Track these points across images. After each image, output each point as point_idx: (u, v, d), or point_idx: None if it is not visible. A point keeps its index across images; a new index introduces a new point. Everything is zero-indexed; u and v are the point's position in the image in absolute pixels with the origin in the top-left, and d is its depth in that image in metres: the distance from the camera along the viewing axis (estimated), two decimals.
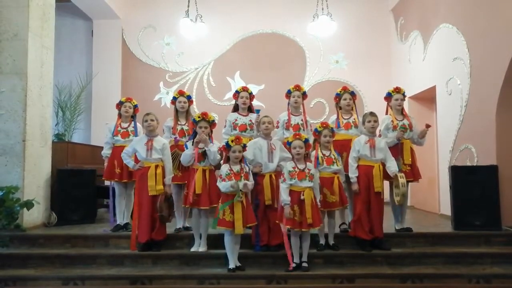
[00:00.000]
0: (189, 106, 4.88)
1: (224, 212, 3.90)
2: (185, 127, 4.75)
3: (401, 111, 4.80)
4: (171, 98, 5.00)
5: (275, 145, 4.34)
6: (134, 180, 4.80)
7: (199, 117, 4.26)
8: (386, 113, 4.88)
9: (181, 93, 4.88)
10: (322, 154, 4.27)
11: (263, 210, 4.23)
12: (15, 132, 4.94)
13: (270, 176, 4.25)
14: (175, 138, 4.73)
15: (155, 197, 4.28)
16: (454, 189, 4.86)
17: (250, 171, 4.12)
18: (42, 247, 4.53)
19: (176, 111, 4.84)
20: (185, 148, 4.34)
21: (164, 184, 4.35)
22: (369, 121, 4.38)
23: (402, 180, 4.22)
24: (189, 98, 4.89)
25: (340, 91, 4.83)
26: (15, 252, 4.40)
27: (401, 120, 4.72)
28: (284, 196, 3.96)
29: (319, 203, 4.03)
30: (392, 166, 4.34)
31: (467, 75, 5.47)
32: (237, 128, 4.72)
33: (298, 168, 4.00)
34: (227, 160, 4.07)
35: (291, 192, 3.97)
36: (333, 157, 4.27)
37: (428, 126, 4.70)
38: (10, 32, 5.02)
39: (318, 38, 7.96)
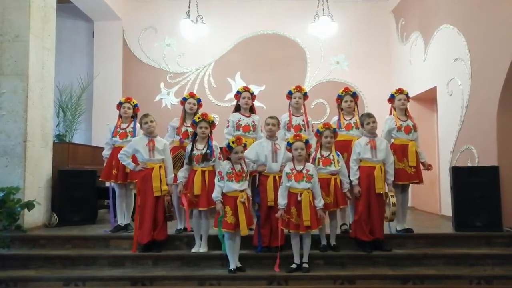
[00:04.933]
0: (197, 109, 4.88)
1: (226, 214, 3.90)
2: (190, 129, 4.74)
3: (405, 112, 4.80)
4: (180, 99, 5.00)
5: (280, 145, 4.32)
6: (130, 182, 4.82)
7: (199, 117, 4.27)
8: (390, 114, 4.87)
9: (191, 95, 4.91)
10: (321, 155, 4.27)
11: (265, 211, 4.22)
12: (16, 133, 4.94)
13: (274, 177, 4.23)
14: (180, 139, 4.74)
15: (158, 198, 4.29)
16: (455, 190, 4.85)
17: (248, 172, 4.12)
18: (43, 248, 4.54)
19: (184, 112, 4.86)
20: (185, 151, 4.34)
21: (166, 184, 4.36)
22: (368, 123, 4.38)
23: (393, 200, 4.25)
24: (199, 101, 4.90)
25: (342, 93, 4.83)
26: (16, 253, 4.41)
27: (405, 121, 4.73)
28: (280, 199, 3.98)
29: (319, 205, 4.00)
30: (389, 177, 4.36)
31: (468, 76, 5.46)
32: (241, 128, 4.72)
33: (296, 169, 3.99)
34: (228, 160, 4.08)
35: (289, 194, 3.97)
36: (331, 158, 4.25)
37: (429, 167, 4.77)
38: (12, 33, 5.03)
39: (319, 39, 7.95)
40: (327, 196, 4.16)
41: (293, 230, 3.95)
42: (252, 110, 4.90)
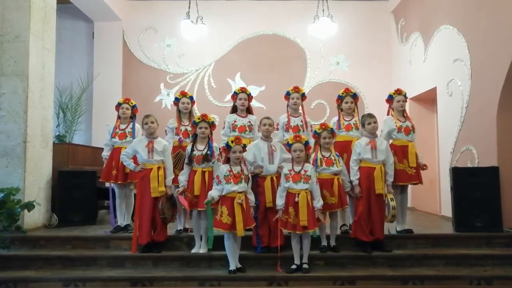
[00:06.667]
0: (191, 107, 4.89)
1: (221, 213, 3.89)
2: (189, 128, 4.73)
3: (403, 113, 4.81)
4: (173, 99, 5.00)
5: (275, 146, 4.33)
6: (130, 182, 4.82)
7: (199, 118, 4.27)
8: (388, 115, 4.87)
9: (183, 94, 4.90)
10: (322, 155, 4.27)
11: (263, 212, 4.22)
12: (16, 134, 4.94)
13: (271, 178, 4.24)
14: (180, 138, 4.73)
15: (157, 198, 4.29)
16: (455, 191, 4.85)
17: (249, 174, 4.10)
18: (43, 249, 4.54)
19: (179, 112, 4.85)
20: (185, 151, 4.34)
21: (165, 185, 4.35)
22: (369, 123, 4.37)
23: (392, 203, 4.24)
24: (191, 99, 4.90)
25: (342, 93, 4.82)
26: (16, 253, 4.41)
27: (404, 122, 4.73)
28: (278, 200, 3.99)
29: (318, 205, 4.00)
30: (389, 178, 4.36)
31: (468, 77, 5.46)
32: (237, 129, 4.70)
33: (294, 170, 3.99)
34: (227, 161, 4.07)
35: (287, 194, 3.97)
36: (333, 158, 4.26)
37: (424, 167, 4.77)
38: (12, 33, 5.03)
39: (319, 40, 7.95)
40: (332, 196, 4.16)
41: (291, 230, 3.95)
42: (249, 110, 4.89)
